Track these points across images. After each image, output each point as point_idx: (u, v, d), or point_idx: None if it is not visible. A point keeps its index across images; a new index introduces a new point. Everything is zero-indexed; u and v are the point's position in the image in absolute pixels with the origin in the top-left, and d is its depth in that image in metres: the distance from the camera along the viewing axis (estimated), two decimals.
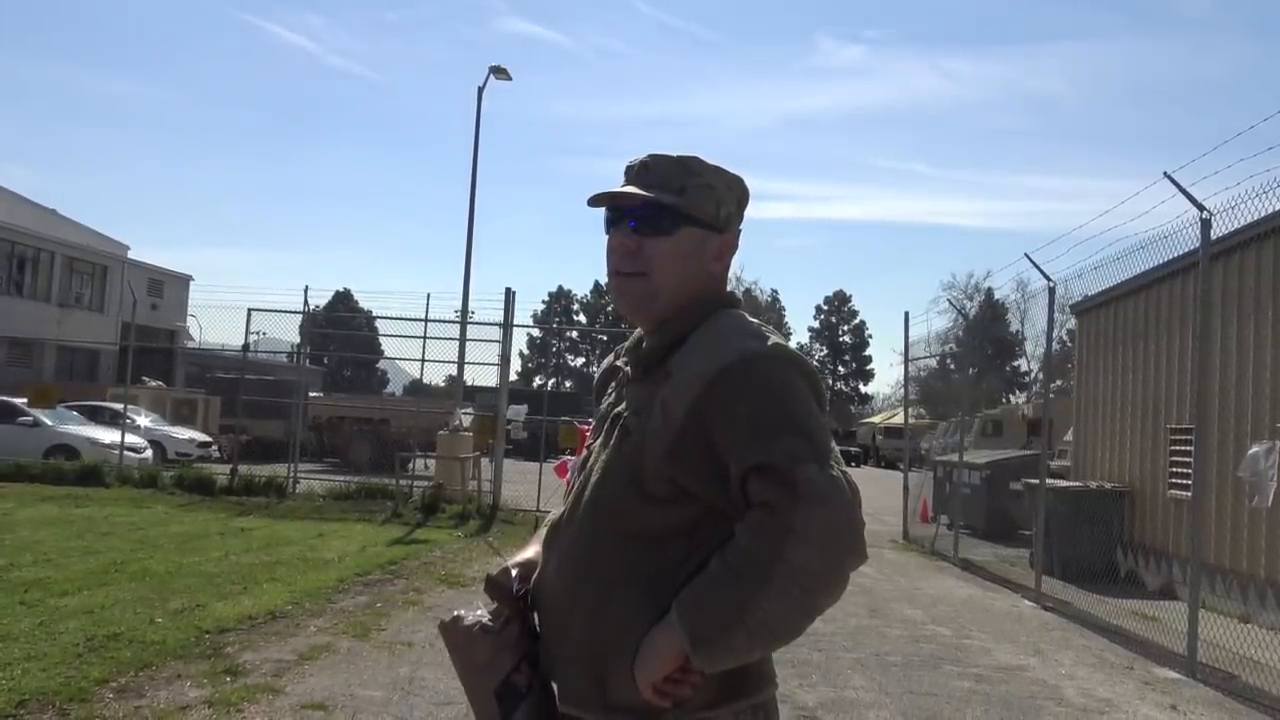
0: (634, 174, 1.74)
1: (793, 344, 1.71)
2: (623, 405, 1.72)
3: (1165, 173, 7.49)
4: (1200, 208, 7.44)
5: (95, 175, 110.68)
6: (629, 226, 1.71)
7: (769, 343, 1.63)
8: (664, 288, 1.70)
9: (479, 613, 1.75)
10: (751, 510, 1.53)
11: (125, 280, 28.44)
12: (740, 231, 1.81)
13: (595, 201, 1.75)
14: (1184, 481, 9.92)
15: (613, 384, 1.83)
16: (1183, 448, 10.34)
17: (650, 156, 1.75)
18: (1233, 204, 7.46)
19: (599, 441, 1.75)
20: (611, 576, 1.62)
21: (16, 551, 8.61)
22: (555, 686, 1.71)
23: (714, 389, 1.57)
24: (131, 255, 39.16)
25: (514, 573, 1.79)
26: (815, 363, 1.65)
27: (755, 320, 1.70)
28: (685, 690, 1.56)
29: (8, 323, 27.95)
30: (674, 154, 1.74)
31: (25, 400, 18.04)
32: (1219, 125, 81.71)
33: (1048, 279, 10.54)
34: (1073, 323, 16.65)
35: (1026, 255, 10.61)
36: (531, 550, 1.83)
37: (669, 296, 1.71)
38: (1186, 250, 8.60)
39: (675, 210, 1.69)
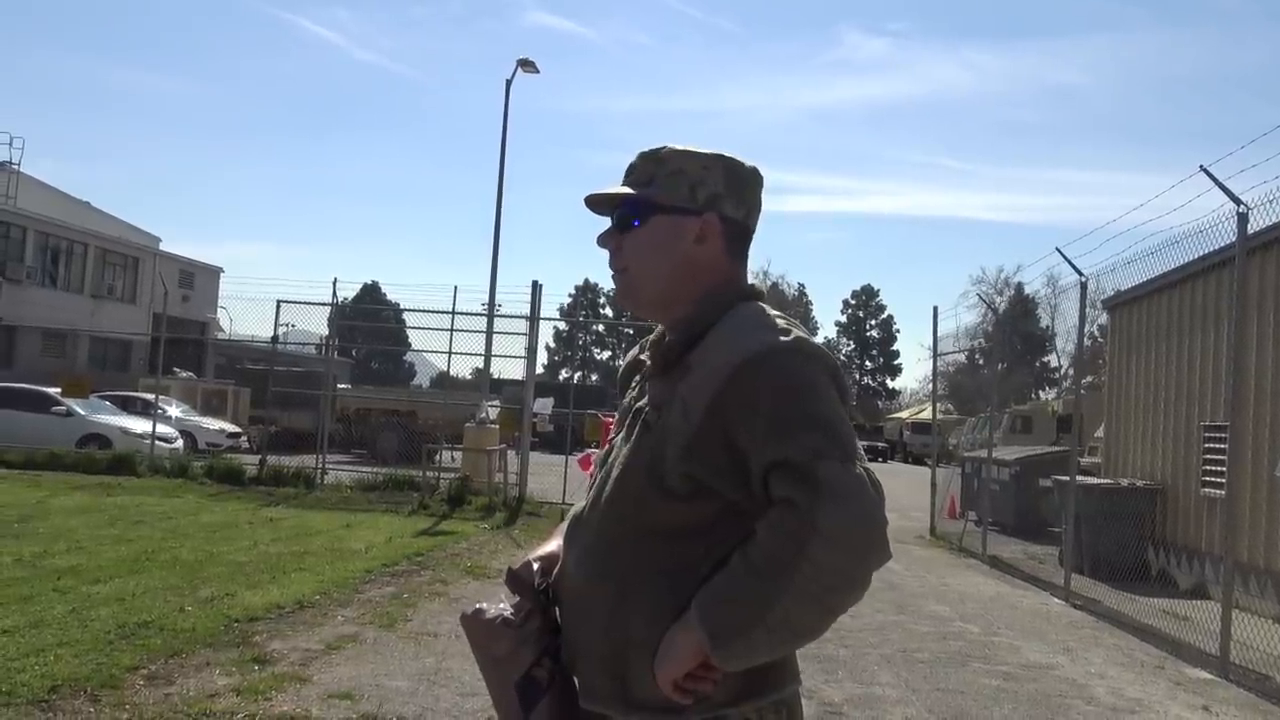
0: (624, 176, 1.78)
1: (820, 339, 1.69)
2: (644, 400, 1.71)
3: (1201, 166, 7.38)
4: (1237, 201, 7.32)
5: (127, 169, 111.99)
6: (611, 227, 1.76)
7: (791, 336, 1.60)
8: (642, 279, 1.73)
9: (501, 606, 1.74)
10: (773, 507, 1.50)
11: (157, 272, 28.81)
12: (742, 211, 1.75)
13: (588, 207, 1.79)
14: (1217, 479, 9.78)
15: (636, 378, 1.82)
16: (1216, 445, 10.19)
17: (637, 156, 1.78)
18: (1270, 198, 7.34)
19: (621, 436, 1.74)
20: (631, 572, 1.61)
21: (50, 539, 8.73)
22: (576, 681, 1.70)
23: (734, 383, 1.55)
24: (163, 247, 39.59)
25: (536, 566, 1.78)
26: (841, 357, 1.64)
27: (777, 313, 1.67)
28: (706, 686, 1.54)
29: (42, 313, 28.36)
30: (651, 148, 1.77)
31: (59, 390, 18.31)
32: (1251, 118, 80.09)
33: (1079, 274, 10.42)
34: (1104, 318, 16.47)
35: (1058, 249, 10.49)
36: (553, 544, 1.83)
37: (651, 286, 1.73)
38: (1222, 245, 8.47)
39: (643, 202, 1.72)
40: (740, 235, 1.76)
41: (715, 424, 1.56)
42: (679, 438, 1.58)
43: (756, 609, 1.48)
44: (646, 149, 1.77)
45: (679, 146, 1.75)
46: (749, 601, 1.48)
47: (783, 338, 1.59)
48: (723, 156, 1.75)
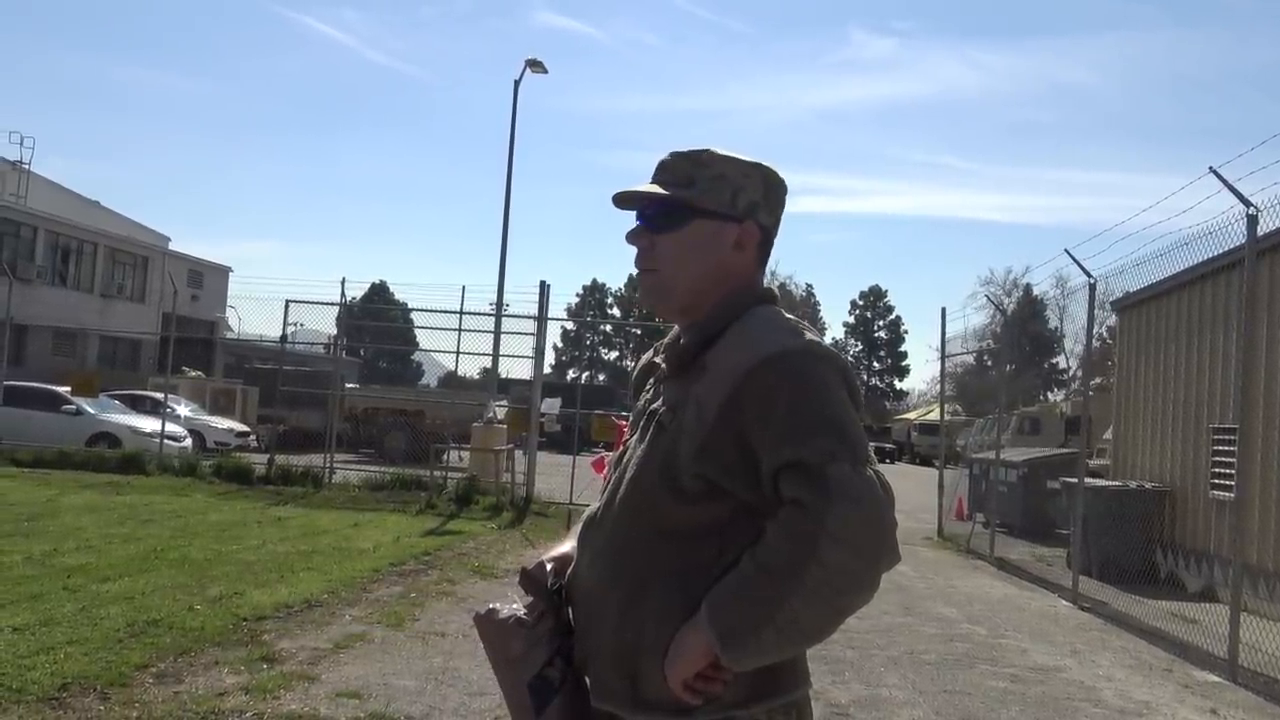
0: (655, 174, 1.77)
1: (827, 340, 1.70)
2: (659, 402, 1.71)
3: (1211, 168, 7.37)
4: (1247, 203, 7.31)
5: (137, 167, 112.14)
6: (642, 225, 1.75)
7: (804, 339, 1.61)
8: (675, 281, 1.73)
9: (514, 606, 1.76)
10: (783, 508, 1.51)
11: (166, 271, 28.87)
12: (773, 220, 1.78)
13: (615, 203, 1.78)
14: (1226, 482, 9.75)
15: (651, 380, 1.83)
16: (1225, 447, 10.17)
17: (670, 155, 1.77)
18: None
19: (635, 438, 1.75)
20: (644, 572, 1.62)
21: (60, 537, 8.77)
22: (588, 681, 1.71)
23: (748, 385, 1.56)
24: (172, 246, 39.73)
25: (549, 567, 1.79)
26: (849, 358, 1.65)
27: (791, 316, 1.68)
28: (716, 687, 1.55)
29: (52, 312, 28.44)
30: (689, 148, 1.76)
31: (69, 389, 18.37)
32: (1261, 117, 79.89)
33: (1088, 275, 10.40)
34: (1113, 320, 16.44)
35: (1067, 251, 10.49)
36: (567, 545, 1.84)
37: (684, 289, 1.72)
38: (1231, 247, 8.44)
39: (683, 204, 1.71)
40: (768, 243, 1.78)
41: (729, 425, 1.57)
42: (692, 439, 1.59)
43: (766, 610, 1.48)
44: (684, 149, 1.77)
45: (721, 151, 1.75)
46: (759, 602, 1.49)
47: (796, 340, 1.60)
48: (761, 165, 1.77)
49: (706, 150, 1.75)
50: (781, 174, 1.80)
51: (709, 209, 1.71)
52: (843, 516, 1.45)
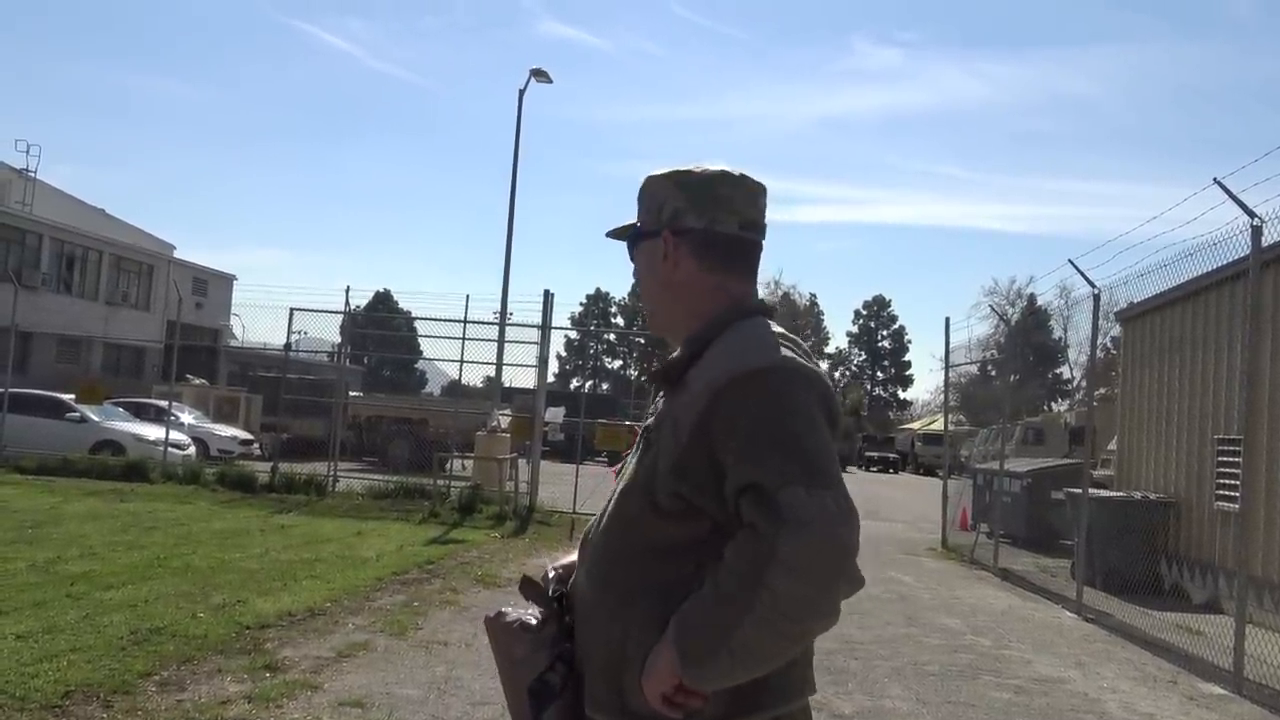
0: None
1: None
2: (653, 417, 1.73)
3: (1215, 179, 7.37)
4: (1251, 214, 7.31)
5: (142, 176, 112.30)
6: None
7: (778, 355, 1.58)
8: (647, 306, 1.83)
9: (525, 611, 1.79)
10: (740, 531, 1.49)
11: (171, 279, 28.92)
12: (707, 219, 1.71)
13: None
14: (1231, 493, 9.72)
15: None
16: (1230, 459, 10.14)
17: None
18: None
19: (633, 452, 1.76)
20: (629, 586, 1.63)
21: (64, 545, 8.78)
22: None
23: (718, 402, 1.54)
24: (177, 255, 39.82)
25: (551, 575, 1.82)
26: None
27: (777, 330, 1.66)
28: (695, 701, 1.53)
29: (57, 320, 28.52)
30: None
31: (73, 396, 18.41)
32: (1265, 128, 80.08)
33: (1092, 285, 10.40)
34: (1117, 330, 16.42)
35: (1070, 261, 10.48)
36: (575, 554, 1.86)
37: (658, 311, 1.80)
38: (1236, 258, 8.44)
39: (632, 232, 1.80)
40: (708, 244, 1.72)
41: (701, 444, 1.55)
42: (668, 457, 1.59)
43: (720, 634, 1.46)
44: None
45: (656, 172, 1.79)
46: (714, 626, 1.47)
47: (770, 357, 1.57)
48: (675, 171, 1.77)
49: (645, 178, 1.80)
50: (723, 169, 1.75)
51: (644, 230, 1.77)
52: (793, 543, 1.41)
